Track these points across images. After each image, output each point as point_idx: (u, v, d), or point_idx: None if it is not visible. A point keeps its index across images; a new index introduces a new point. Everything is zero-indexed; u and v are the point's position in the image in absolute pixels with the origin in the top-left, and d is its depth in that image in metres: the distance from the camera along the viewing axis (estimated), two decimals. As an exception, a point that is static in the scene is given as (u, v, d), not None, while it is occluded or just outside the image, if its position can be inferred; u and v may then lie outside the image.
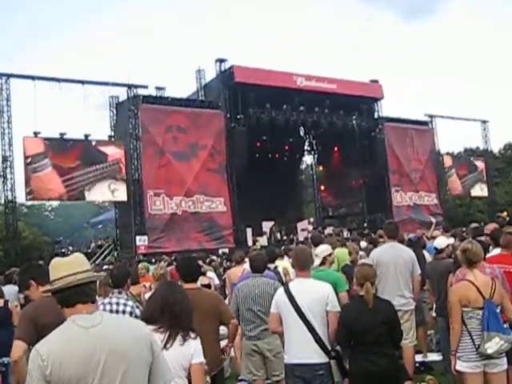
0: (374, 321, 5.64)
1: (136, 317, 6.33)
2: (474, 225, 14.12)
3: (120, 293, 6.78)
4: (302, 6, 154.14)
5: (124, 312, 6.52)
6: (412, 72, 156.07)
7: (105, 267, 14.04)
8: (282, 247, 19.22)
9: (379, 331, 5.63)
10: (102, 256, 31.07)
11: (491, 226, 9.39)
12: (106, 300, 6.74)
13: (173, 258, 18.95)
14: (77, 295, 3.21)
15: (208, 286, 9.83)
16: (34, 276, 5.06)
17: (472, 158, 49.15)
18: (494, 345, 5.62)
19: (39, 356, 3.01)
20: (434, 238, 14.03)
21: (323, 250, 8.16)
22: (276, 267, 10.85)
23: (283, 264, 11.41)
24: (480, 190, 47.58)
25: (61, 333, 3.16)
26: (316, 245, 10.88)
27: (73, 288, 3.21)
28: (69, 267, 3.27)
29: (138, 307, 6.43)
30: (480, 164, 47.90)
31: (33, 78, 28.76)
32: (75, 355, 3.01)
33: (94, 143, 30.01)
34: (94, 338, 3.07)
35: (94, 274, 3.45)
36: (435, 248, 9.34)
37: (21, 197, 30.84)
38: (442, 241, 9.39)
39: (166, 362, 3.44)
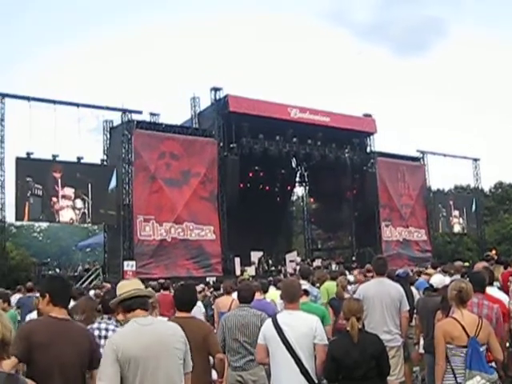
0: (362, 355, 5.64)
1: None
2: (458, 263, 14.09)
3: (109, 318, 6.73)
4: (299, 39, 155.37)
5: (112, 338, 6.48)
6: (405, 108, 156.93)
7: (91, 292, 13.93)
8: (270, 278, 19.19)
9: (368, 366, 5.63)
10: (89, 280, 30.85)
11: (480, 265, 9.40)
12: (95, 325, 6.65)
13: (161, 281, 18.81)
14: (136, 303, 4.63)
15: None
16: (52, 292, 5.00)
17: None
18: (475, 383, 5.63)
19: (113, 344, 4.37)
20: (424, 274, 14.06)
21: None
22: (264, 298, 10.86)
23: (270, 295, 11.41)
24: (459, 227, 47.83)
25: (127, 328, 4.54)
26: (304, 277, 10.91)
27: (134, 298, 4.64)
28: (131, 285, 4.79)
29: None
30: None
31: (28, 98, 28.77)
32: (136, 342, 4.38)
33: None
34: (149, 332, 4.48)
35: (149, 290, 5.43)
36: (431, 285, 9.32)
37: (10, 217, 30.65)
38: (439, 280, 9.38)
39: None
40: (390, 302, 8.24)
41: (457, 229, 47.32)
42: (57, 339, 4.67)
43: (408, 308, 8.43)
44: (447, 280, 10.25)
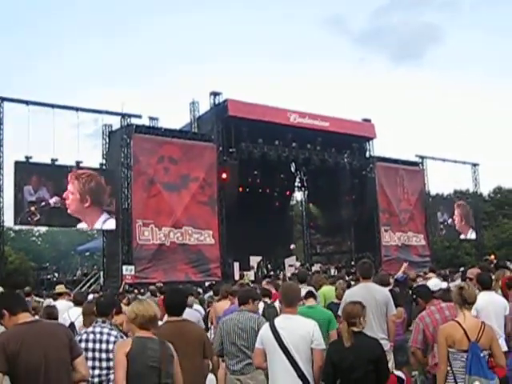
0: (358, 359, 5.61)
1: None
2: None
3: (104, 322, 6.69)
4: (298, 45, 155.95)
5: (108, 342, 6.44)
6: (404, 113, 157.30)
7: (90, 296, 13.87)
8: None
9: (365, 369, 5.59)
10: (88, 284, 30.84)
11: (474, 271, 9.36)
12: (90, 329, 6.63)
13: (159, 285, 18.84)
14: None
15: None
16: (6, 306, 5.12)
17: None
18: None
19: None
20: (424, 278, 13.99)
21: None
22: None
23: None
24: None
25: None
26: (302, 281, 10.88)
27: None
28: None
29: (122, 337, 6.34)
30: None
31: (27, 102, 28.71)
32: None
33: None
34: None
35: None
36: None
37: (8, 221, 30.53)
38: (435, 283, 9.35)
39: None
40: (376, 306, 8.06)
41: (455, 234, 47.28)
42: (30, 342, 4.78)
43: (394, 312, 8.30)
44: (444, 284, 10.22)
